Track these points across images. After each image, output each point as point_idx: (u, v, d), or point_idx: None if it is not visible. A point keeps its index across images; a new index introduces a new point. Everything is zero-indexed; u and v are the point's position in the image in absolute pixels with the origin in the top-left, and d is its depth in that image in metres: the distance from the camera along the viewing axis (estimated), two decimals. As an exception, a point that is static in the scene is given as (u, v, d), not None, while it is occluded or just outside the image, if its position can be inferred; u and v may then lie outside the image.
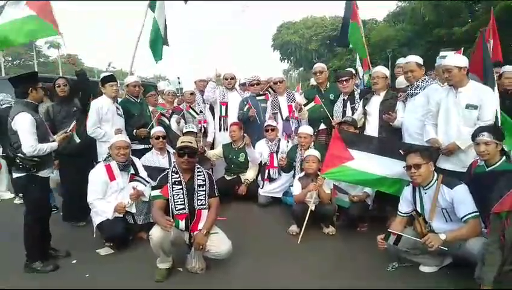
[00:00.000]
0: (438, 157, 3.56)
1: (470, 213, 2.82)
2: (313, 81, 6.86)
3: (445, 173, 3.30)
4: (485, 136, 2.99)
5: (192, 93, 5.84)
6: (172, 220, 3.11)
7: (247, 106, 5.55)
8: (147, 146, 5.00)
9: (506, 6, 15.13)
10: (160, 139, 4.80)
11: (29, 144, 3.29)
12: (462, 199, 2.88)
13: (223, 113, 5.76)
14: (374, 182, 3.87)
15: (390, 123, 4.17)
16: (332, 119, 4.83)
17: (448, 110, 3.55)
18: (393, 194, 3.70)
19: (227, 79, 5.83)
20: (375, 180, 3.82)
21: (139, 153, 4.68)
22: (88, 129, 4.52)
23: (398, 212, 3.33)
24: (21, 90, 3.47)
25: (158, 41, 6.09)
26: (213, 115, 5.90)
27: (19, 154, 3.30)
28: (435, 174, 3.09)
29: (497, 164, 3.03)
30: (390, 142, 4.08)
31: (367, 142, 3.99)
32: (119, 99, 5.09)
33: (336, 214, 4.24)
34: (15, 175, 3.45)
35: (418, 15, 24.68)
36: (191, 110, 5.68)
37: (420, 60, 4.03)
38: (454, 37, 20.32)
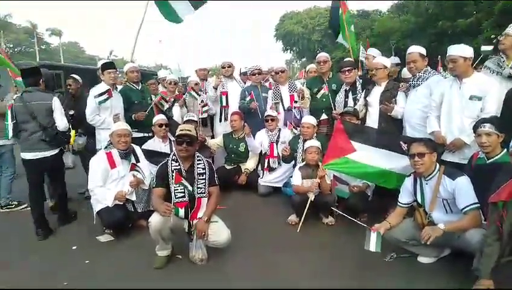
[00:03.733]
0: (443, 152, 3.54)
1: (470, 205, 2.81)
2: (310, 67, 6.81)
3: (446, 164, 3.28)
4: (487, 127, 2.98)
5: (196, 84, 5.81)
6: (171, 206, 3.11)
7: (249, 97, 5.53)
8: (146, 134, 5.02)
9: (507, 5, 14.98)
10: (163, 127, 4.81)
11: (65, 120, 4.03)
12: (463, 190, 2.86)
13: (224, 103, 5.74)
14: (375, 176, 3.85)
15: (388, 113, 4.15)
16: (335, 109, 4.81)
17: (452, 101, 3.52)
18: (393, 189, 3.67)
19: (224, 67, 5.80)
20: (377, 173, 3.81)
21: (139, 141, 4.67)
22: (87, 117, 4.57)
23: (398, 203, 3.32)
24: (34, 80, 4.04)
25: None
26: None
27: (58, 131, 3.96)
28: (437, 165, 3.07)
29: (498, 156, 3.01)
30: (393, 135, 4.05)
31: (370, 135, 3.97)
32: (119, 87, 5.09)
33: (335, 205, 4.23)
34: (48, 153, 3.94)
35: (422, 7, 24.44)
36: (192, 92, 5.65)
37: (423, 51, 3.99)
38: (458, 29, 20.14)
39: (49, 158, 3.97)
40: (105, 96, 4.50)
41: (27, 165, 3.99)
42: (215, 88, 5.73)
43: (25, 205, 4.84)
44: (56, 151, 4.02)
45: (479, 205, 2.82)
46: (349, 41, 6.27)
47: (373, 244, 3.01)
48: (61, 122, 3.96)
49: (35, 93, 3.96)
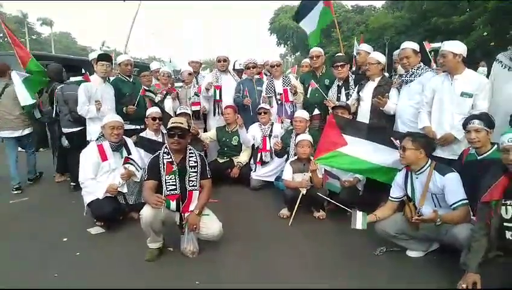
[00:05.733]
0: (435, 148, 3.57)
1: (459, 201, 2.85)
2: (304, 62, 6.80)
3: (437, 160, 3.31)
4: (476, 124, 3.00)
5: (190, 74, 5.74)
6: (163, 198, 3.10)
7: (244, 93, 5.51)
8: (138, 126, 4.98)
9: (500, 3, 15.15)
10: (157, 121, 4.75)
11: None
12: (452, 186, 2.89)
13: (217, 97, 5.68)
14: (366, 170, 3.87)
15: (381, 108, 4.17)
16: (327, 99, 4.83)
17: (443, 97, 3.55)
18: (385, 182, 3.70)
19: (220, 61, 5.76)
20: (368, 168, 3.82)
21: (131, 134, 4.65)
22: (78, 108, 4.68)
23: (389, 197, 3.35)
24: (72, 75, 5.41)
25: None
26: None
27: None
28: (429, 160, 3.10)
29: (488, 153, 3.05)
30: (385, 129, 4.07)
31: (361, 129, 3.97)
32: (111, 78, 5.07)
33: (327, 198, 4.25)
34: (74, 129, 5.06)
35: (416, 3, 24.53)
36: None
37: (416, 47, 4.00)
38: (452, 26, 20.29)
39: (75, 133, 5.10)
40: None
41: (66, 136, 5.20)
42: (208, 89, 5.57)
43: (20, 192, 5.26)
44: (80, 128, 5.07)
45: (467, 201, 2.86)
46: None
47: (359, 222, 3.09)
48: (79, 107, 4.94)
49: (70, 85, 5.19)
